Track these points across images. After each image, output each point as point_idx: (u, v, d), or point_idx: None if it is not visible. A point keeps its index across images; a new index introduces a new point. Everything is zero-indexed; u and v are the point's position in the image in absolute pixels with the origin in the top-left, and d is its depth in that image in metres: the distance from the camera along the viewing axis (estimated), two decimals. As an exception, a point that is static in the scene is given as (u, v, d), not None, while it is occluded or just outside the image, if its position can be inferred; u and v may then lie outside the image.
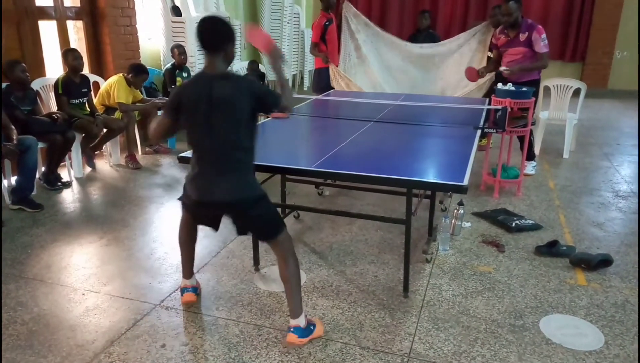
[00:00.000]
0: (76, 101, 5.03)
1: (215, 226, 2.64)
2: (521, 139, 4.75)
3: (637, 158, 5.79)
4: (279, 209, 3.88)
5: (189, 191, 2.50)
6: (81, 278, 3.13)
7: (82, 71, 5.10)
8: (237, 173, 2.40)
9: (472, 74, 5.22)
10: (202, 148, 2.41)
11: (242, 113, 2.34)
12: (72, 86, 4.96)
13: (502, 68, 4.89)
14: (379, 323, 2.68)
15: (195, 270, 3.17)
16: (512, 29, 4.81)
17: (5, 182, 4.31)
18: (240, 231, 2.57)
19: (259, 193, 2.45)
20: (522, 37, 4.79)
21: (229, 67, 2.46)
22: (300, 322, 2.49)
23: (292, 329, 2.49)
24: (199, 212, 2.61)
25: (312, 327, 2.54)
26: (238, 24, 7.82)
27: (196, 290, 2.89)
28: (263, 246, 3.47)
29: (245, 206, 2.41)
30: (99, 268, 3.26)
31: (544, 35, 4.74)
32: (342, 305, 2.85)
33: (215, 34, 2.33)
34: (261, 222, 2.48)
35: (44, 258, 3.38)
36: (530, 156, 5.07)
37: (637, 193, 4.62)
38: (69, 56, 4.92)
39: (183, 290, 2.86)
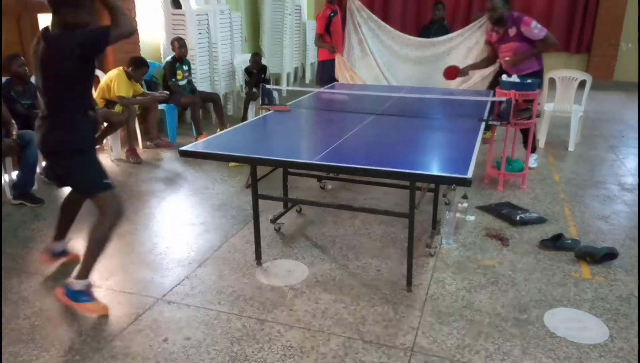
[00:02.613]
0: None
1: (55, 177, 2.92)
2: (524, 132, 4.71)
3: (642, 150, 5.75)
4: (281, 203, 3.88)
5: None
6: (83, 273, 3.11)
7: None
8: (50, 120, 2.59)
9: (451, 73, 4.98)
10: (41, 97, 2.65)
11: (59, 69, 2.49)
12: None
13: (506, 58, 4.79)
14: (382, 317, 2.66)
15: (197, 265, 3.17)
16: (498, 25, 4.74)
17: (6, 177, 4.30)
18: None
19: (71, 148, 2.60)
20: (512, 32, 4.75)
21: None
22: (78, 285, 2.61)
23: (66, 285, 2.62)
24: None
25: (84, 298, 2.61)
26: (238, 16, 7.77)
27: (55, 254, 3.05)
28: (265, 241, 3.46)
29: (56, 157, 2.65)
30: (101, 262, 3.24)
31: (534, 23, 4.67)
32: (344, 299, 2.83)
33: None
34: (71, 175, 2.68)
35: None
36: (532, 149, 5.04)
37: (638, 187, 4.58)
38: None
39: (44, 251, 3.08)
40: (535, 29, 4.66)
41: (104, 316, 2.66)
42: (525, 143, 4.79)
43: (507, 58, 4.81)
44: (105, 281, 3.02)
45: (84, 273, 2.63)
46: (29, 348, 2.42)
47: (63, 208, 3.04)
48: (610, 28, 9.95)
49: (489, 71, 5.55)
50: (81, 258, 2.67)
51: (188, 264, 3.22)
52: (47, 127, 2.61)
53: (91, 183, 2.65)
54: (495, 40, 4.91)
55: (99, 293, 2.89)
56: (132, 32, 2.56)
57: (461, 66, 5.32)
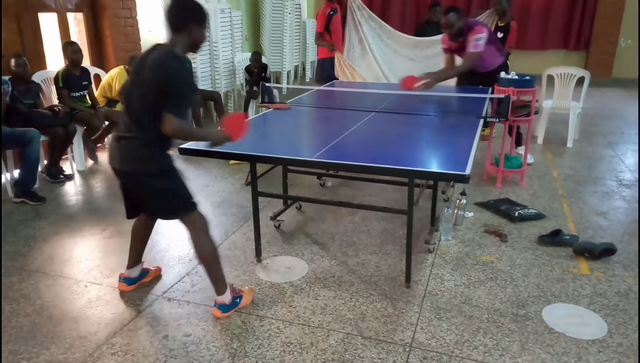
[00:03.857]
0: (77, 93, 5.02)
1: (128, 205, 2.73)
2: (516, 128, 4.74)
3: (641, 146, 5.75)
4: (281, 201, 3.90)
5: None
6: (84, 270, 3.14)
7: (81, 63, 5.09)
8: (134, 143, 2.43)
9: (408, 83, 4.59)
10: (125, 109, 2.48)
11: (153, 89, 2.31)
12: (73, 79, 4.95)
13: (415, 85, 4.51)
14: (381, 313, 2.67)
15: (197, 262, 3.18)
16: (457, 37, 4.76)
17: (7, 175, 4.32)
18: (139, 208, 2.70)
19: (158, 167, 2.47)
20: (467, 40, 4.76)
21: (192, 50, 2.49)
22: (225, 298, 2.64)
23: (216, 304, 2.65)
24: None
25: (238, 300, 2.69)
26: (239, 15, 7.77)
27: (131, 281, 2.90)
28: (265, 238, 3.48)
29: (139, 177, 2.48)
30: (102, 260, 3.27)
31: (477, 36, 4.61)
32: (344, 295, 2.84)
33: (183, 12, 2.39)
34: (154, 198, 2.53)
35: (47, 250, 3.39)
36: (519, 142, 5.08)
37: (638, 183, 4.59)
38: (68, 48, 4.91)
39: (121, 279, 2.91)
40: (474, 41, 4.61)
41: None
42: (517, 140, 4.90)
43: (415, 85, 4.51)
44: (106, 279, 3.03)
45: (221, 288, 2.64)
46: (30, 345, 2.43)
47: (135, 234, 2.87)
48: (609, 25, 9.95)
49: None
50: (209, 279, 2.64)
51: (188, 261, 3.23)
52: (133, 146, 2.44)
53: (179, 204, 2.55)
54: (455, 48, 4.92)
55: (100, 290, 2.91)
56: (174, 135, 2.43)
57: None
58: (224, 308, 2.64)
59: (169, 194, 2.51)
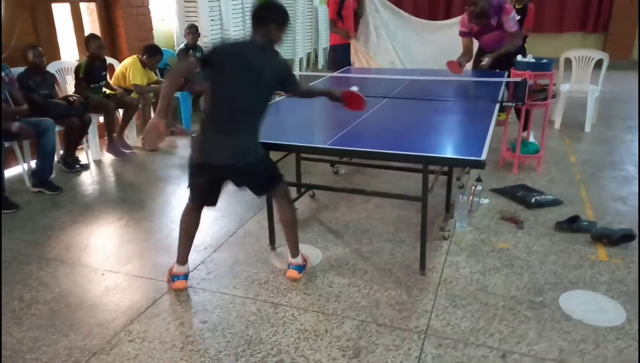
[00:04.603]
0: (96, 84, 5.04)
1: (216, 196, 2.79)
2: (518, 112, 4.67)
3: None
4: (294, 189, 3.89)
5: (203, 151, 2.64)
6: (101, 259, 3.17)
7: (104, 58, 5.11)
8: (249, 135, 2.62)
9: (455, 68, 4.74)
10: (224, 105, 2.59)
11: (267, 83, 2.60)
12: (94, 70, 4.99)
13: (482, 64, 4.71)
14: (396, 300, 2.67)
15: (212, 250, 3.21)
16: (479, 18, 4.66)
17: (25, 165, 4.37)
18: (251, 187, 2.78)
19: (263, 157, 2.71)
20: (494, 21, 4.69)
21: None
22: (299, 260, 2.89)
23: (292, 266, 2.87)
24: (204, 176, 2.70)
25: (305, 262, 2.95)
26: (250, 2, 7.72)
27: (187, 277, 2.88)
28: (279, 225, 3.47)
29: (253, 167, 2.65)
30: (118, 248, 3.31)
31: (512, 14, 4.65)
32: (358, 283, 2.84)
33: (264, 10, 2.63)
34: (265, 179, 2.74)
35: (64, 239, 3.44)
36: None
37: (638, 173, 4.47)
38: (92, 43, 4.90)
39: (174, 277, 2.83)
40: (512, 20, 4.64)
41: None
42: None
43: (482, 63, 4.69)
44: (123, 266, 3.07)
45: (297, 250, 2.90)
46: (49, 333, 2.47)
47: (184, 231, 2.84)
48: (628, 5, 9.69)
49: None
50: (289, 242, 2.89)
51: (204, 249, 3.25)
52: (248, 140, 2.63)
53: (275, 180, 2.78)
54: (477, 31, 4.82)
55: (117, 278, 2.95)
56: (304, 95, 3.03)
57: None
58: (299, 268, 2.88)
59: (273, 172, 2.77)
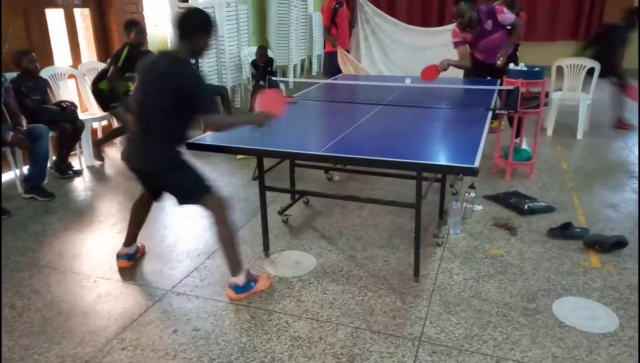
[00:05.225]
0: (130, 74, 4.86)
1: (151, 191, 2.95)
2: (511, 120, 4.70)
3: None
4: (288, 195, 3.89)
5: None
6: (93, 265, 3.15)
7: (143, 46, 4.97)
8: (151, 145, 2.64)
9: (430, 74, 4.56)
10: (138, 112, 2.70)
11: (166, 96, 2.51)
12: (131, 60, 4.75)
13: (498, 63, 4.71)
14: (390, 307, 2.67)
15: (205, 257, 3.20)
16: (470, 27, 4.68)
17: (17, 171, 4.34)
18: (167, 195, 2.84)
19: (172, 164, 2.66)
20: (488, 25, 4.71)
21: (197, 58, 2.76)
22: (239, 280, 2.74)
23: (229, 285, 2.77)
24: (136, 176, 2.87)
25: (252, 284, 2.79)
26: (245, 9, 7.75)
27: (130, 257, 3.13)
28: (273, 232, 3.48)
29: (158, 176, 2.71)
30: (111, 255, 3.28)
31: (506, 10, 4.73)
32: (352, 289, 2.84)
33: (184, 18, 2.57)
34: (176, 191, 2.72)
35: (56, 246, 3.41)
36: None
37: (638, 176, 4.53)
38: (133, 28, 4.74)
39: (118, 256, 3.11)
40: (508, 13, 4.71)
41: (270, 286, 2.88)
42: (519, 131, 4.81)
43: (498, 62, 4.72)
44: (115, 273, 3.05)
45: (235, 269, 2.75)
46: (41, 340, 2.45)
47: (136, 213, 3.09)
48: (619, 14, 9.76)
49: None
50: (225, 260, 2.75)
51: (197, 256, 3.24)
52: (150, 148, 2.66)
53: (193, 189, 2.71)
54: (471, 40, 4.84)
55: (109, 285, 2.93)
56: (216, 128, 2.76)
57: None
58: (236, 289, 2.74)
59: (186, 184, 2.69)
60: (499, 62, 4.72)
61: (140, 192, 3.04)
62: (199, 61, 6.45)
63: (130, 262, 3.12)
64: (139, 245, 3.23)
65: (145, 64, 2.65)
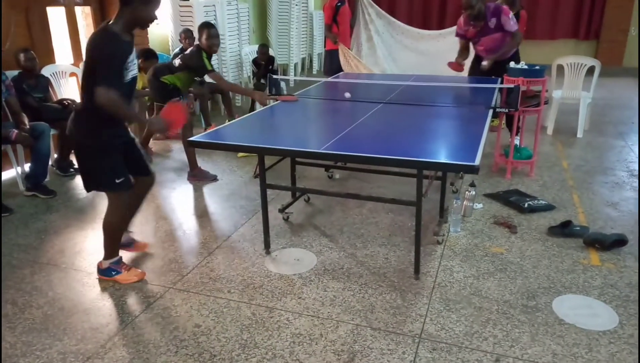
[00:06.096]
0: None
1: None
2: (509, 118, 4.72)
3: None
4: (289, 193, 3.90)
5: None
6: (95, 263, 3.14)
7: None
8: (78, 115, 2.68)
9: (455, 67, 4.98)
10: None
11: (86, 63, 2.58)
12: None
13: (483, 63, 4.81)
14: (390, 304, 2.68)
15: (206, 254, 3.21)
16: (477, 20, 4.71)
17: (19, 169, 4.35)
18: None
19: (88, 142, 2.67)
20: (492, 23, 4.75)
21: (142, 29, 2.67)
22: (104, 264, 2.92)
23: (97, 266, 2.95)
24: None
25: (113, 273, 2.92)
26: (245, 7, 7.76)
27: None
28: (274, 230, 3.49)
29: (77, 148, 2.74)
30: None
31: (511, 15, 4.74)
32: (353, 287, 2.85)
33: None
34: (82, 170, 2.79)
35: (58, 243, 3.42)
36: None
37: (638, 175, 4.53)
38: (206, 32, 4.34)
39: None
40: (512, 20, 4.73)
41: (140, 282, 2.93)
42: (510, 128, 4.81)
43: (484, 63, 4.78)
44: (116, 271, 3.06)
45: (107, 254, 2.93)
46: (42, 337, 2.46)
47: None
48: (620, 13, 9.81)
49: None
50: (104, 244, 2.91)
51: (198, 253, 3.25)
52: (78, 120, 2.70)
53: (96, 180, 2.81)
54: (473, 35, 4.88)
55: (111, 282, 2.93)
56: (103, 106, 2.51)
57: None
58: (100, 270, 2.95)
59: (97, 169, 2.72)
60: (483, 63, 4.80)
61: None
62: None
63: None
64: (140, 241, 3.27)
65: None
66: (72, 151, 2.97)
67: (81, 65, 5.46)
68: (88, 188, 2.81)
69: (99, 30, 2.54)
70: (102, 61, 2.47)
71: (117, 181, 2.71)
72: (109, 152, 2.70)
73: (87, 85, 2.53)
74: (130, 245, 3.23)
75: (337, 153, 2.78)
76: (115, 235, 2.91)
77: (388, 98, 4.06)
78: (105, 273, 2.93)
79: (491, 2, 4.87)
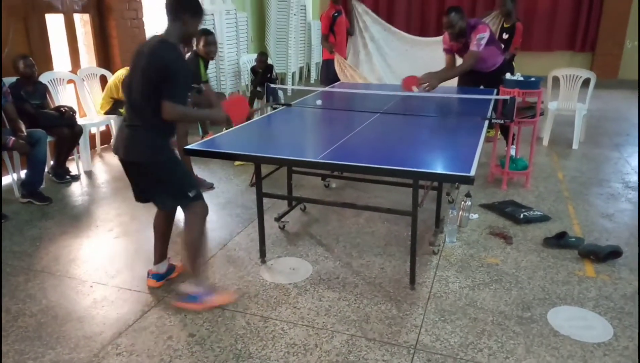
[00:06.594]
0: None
1: (138, 191, 2.77)
2: (504, 128, 4.73)
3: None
4: (286, 202, 3.90)
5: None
6: (89, 271, 3.15)
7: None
8: (136, 132, 2.55)
9: (409, 84, 4.63)
10: (126, 100, 2.61)
11: (149, 77, 2.45)
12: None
13: (421, 84, 4.56)
14: (385, 315, 2.67)
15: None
16: (458, 38, 4.75)
17: (14, 175, 4.34)
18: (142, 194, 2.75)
19: (161, 157, 2.58)
20: (471, 39, 4.75)
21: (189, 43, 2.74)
22: (160, 268, 2.86)
23: (150, 274, 2.85)
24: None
25: (205, 298, 2.70)
26: (244, 17, 7.79)
27: (159, 277, 2.93)
28: (270, 239, 3.48)
29: (140, 168, 2.60)
30: (107, 260, 3.28)
31: (480, 35, 4.65)
32: (348, 297, 2.84)
33: (174, 1, 2.55)
34: (158, 187, 2.65)
35: (53, 250, 3.41)
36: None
37: (638, 186, 4.56)
38: (203, 39, 4.31)
39: (148, 274, 2.94)
40: (477, 40, 4.64)
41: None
42: (506, 138, 4.81)
43: (423, 83, 4.55)
44: (111, 279, 3.04)
45: (195, 275, 2.74)
46: (35, 345, 2.44)
47: (157, 228, 2.91)
48: (615, 26, 9.90)
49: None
50: (189, 266, 2.75)
51: (193, 262, 3.24)
52: (137, 136, 2.57)
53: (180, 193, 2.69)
54: (457, 49, 4.92)
55: (105, 291, 2.92)
56: (175, 118, 2.54)
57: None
58: (157, 277, 2.86)
59: (172, 182, 2.62)
60: (420, 87, 4.53)
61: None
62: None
63: (160, 283, 2.91)
64: (176, 264, 3.06)
65: (137, 48, 2.58)
66: (130, 174, 2.67)
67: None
68: (165, 206, 2.75)
69: (159, 43, 2.47)
70: (176, 75, 2.44)
71: (191, 192, 2.63)
72: (178, 162, 2.65)
73: (149, 99, 2.45)
74: (172, 271, 3.02)
75: (334, 163, 2.79)
76: (198, 252, 2.67)
77: (384, 108, 4.08)
78: (192, 299, 2.69)
79: (477, 17, 4.91)
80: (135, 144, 2.55)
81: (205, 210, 2.68)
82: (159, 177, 2.60)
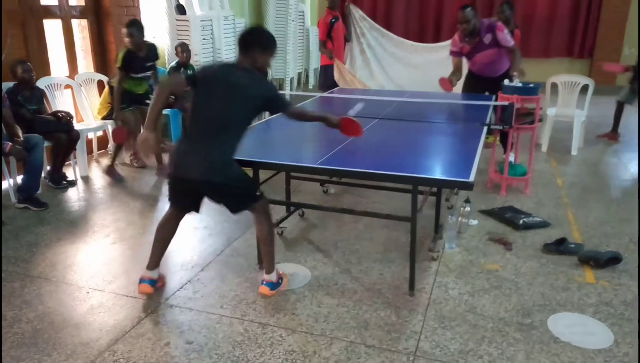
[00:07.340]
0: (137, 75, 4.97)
1: (196, 204, 2.87)
2: (503, 135, 4.74)
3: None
4: (283, 207, 3.89)
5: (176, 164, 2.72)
6: (86, 277, 3.12)
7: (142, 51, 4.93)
8: (220, 152, 2.63)
9: (446, 85, 4.83)
10: (200, 121, 2.68)
11: (248, 102, 2.64)
12: (134, 60, 4.86)
13: (514, 75, 4.70)
14: (385, 321, 2.65)
15: (199, 269, 3.18)
16: (471, 36, 4.76)
17: (11, 181, 4.32)
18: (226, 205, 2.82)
19: (236, 176, 2.70)
20: (487, 39, 4.79)
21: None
22: (273, 277, 2.87)
23: (264, 282, 2.86)
24: (179, 188, 2.80)
25: (280, 281, 2.92)
26: (242, 23, 7.80)
27: (154, 282, 2.89)
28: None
29: (223, 186, 2.67)
30: (104, 266, 3.26)
31: (506, 30, 4.80)
32: (347, 303, 2.82)
33: (248, 34, 2.73)
34: (237, 199, 2.77)
35: (49, 256, 3.38)
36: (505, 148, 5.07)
37: (638, 191, 4.55)
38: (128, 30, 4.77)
39: (141, 280, 2.86)
40: (508, 35, 4.78)
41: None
42: (505, 145, 4.81)
43: (515, 73, 4.72)
44: (108, 285, 3.02)
45: (270, 267, 2.88)
46: (31, 352, 2.42)
47: (159, 238, 2.90)
48: (613, 33, 9.93)
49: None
50: (263, 257, 2.94)
51: (191, 268, 3.22)
52: (212, 156, 2.62)
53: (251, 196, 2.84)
54: (468, 51, 4.92)
55: (102, 297, 2.90)
56: (300, 117, 2.96)
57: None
58: (271, 285, 2.86)
59: (249, 191, 2.79)
60: (515, 73, 4.70)
61: (169, 210, 2.87)
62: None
63: (153, 288, 2.87)
64: (161, 273, 2.99)
65: (213, 74, 2.72)
66: (221, 192, 2.72)
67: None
68: (237, 209, 2.82)
69: (251, 72, 2.69)
70: (277, 94, 2.82)
71: (257, 191, 2.82)
72: (243, 171, 2.76)
73: (247, 122, 2.70)
74: (160, 280, 2.97)
75: (332, 168, 2.78)
76: (273, 244, 2.90)
77: (383, 114, 4.08)
78: (275, 285, 2.89)
79: (486, 18, 4.92)
80: (216, 164, 2.61)
81: (268, 204, 2.85)
82: (235, 190, 2.71)
